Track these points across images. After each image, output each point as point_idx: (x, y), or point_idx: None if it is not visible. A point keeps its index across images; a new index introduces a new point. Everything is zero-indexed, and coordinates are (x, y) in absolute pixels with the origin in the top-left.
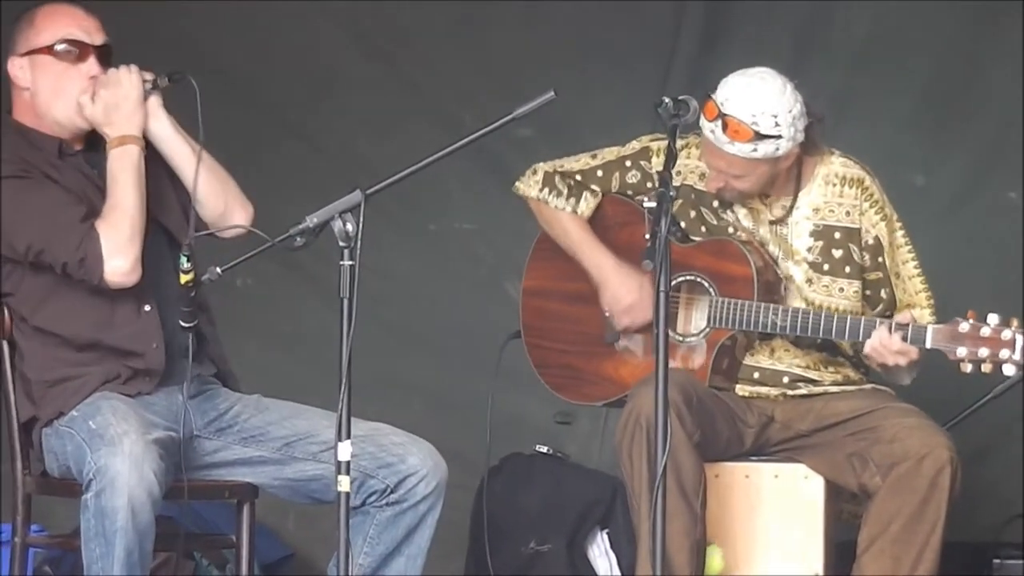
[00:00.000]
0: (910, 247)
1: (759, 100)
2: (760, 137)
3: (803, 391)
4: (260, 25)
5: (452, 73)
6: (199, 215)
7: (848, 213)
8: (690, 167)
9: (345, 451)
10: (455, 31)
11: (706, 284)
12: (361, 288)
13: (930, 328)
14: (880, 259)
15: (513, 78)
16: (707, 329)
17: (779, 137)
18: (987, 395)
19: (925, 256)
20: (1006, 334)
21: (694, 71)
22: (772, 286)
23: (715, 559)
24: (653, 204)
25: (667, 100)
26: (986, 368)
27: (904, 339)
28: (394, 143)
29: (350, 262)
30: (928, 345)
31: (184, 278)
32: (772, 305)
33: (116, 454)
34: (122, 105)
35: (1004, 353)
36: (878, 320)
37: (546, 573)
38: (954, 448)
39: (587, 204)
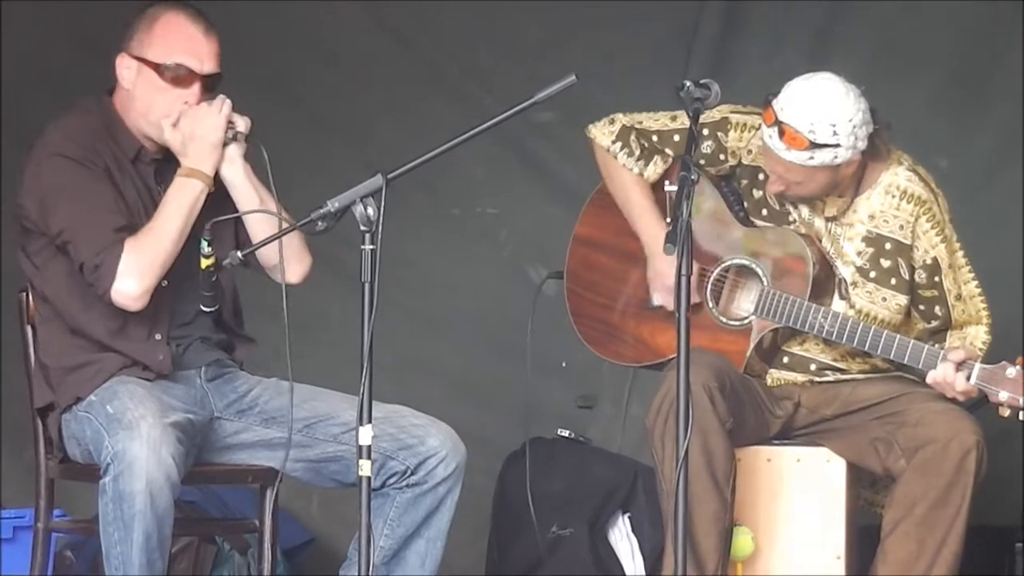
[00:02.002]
0: (970, 267)
1: (818, 108)
2: (816, 146)
3: (830, 379)
4: (280, 10)
5: (473, 56)
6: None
7: (902, 227)
8: (763, 148)
9: (366, 435)
10: (477, 13)
11: (760, 272)
12: (383, 273)
13: (977, 366)
14: (937, 279)
15: (535, 61)
16: (753, 317)
17: (837, 146)
18: None
19: None
20: None
21: (716, 53)
22: (825, 284)
23: (746, 541)
24: (674, 188)
25: (689, 84)
26: (1023, 417)
27: (968, 379)
28: (415, 127)
29: (371, 247)
30: (973, 381)
31: (204, 262)
32: (822, 308)
33: (134, 438)
34: (199, 141)
35: None
36: (925, 347)
37: (568, 557)
38: (980, 432)
39: (655, 169)
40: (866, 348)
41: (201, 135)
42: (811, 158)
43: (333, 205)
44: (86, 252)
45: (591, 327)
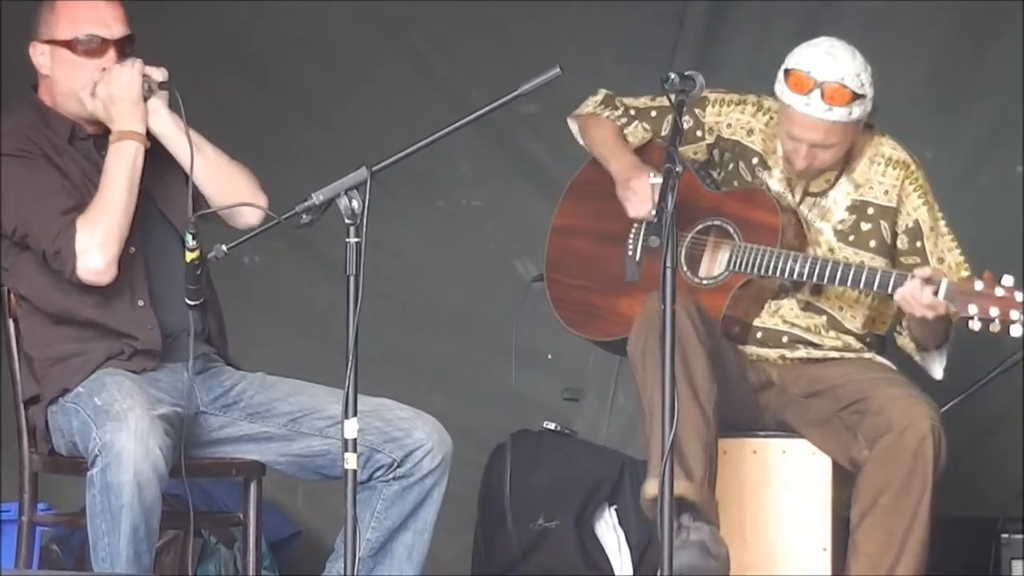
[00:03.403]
0: (953, 236)
1: (847, 61)
2: (856, 97)
3: (801, 353)
4: (273, 8)
5: (466, 53)
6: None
7: (886, 192)
8: (742, 123)
9: (352, 429)
10: (465, 8)
11: (731, 230)
12: (369, 265)
13: (944, 282)
14: (919, 243)
15: (522, 55)
16: (726, 273)
17: (865, 96)
18: (995, 370)
19: None
20: (1019, 296)
21: (701, 47)
22: (798, 241)
23: None
24: (658, 180)
25: (673, 76)
26: (994, 328)
27: (935, 294)
28: (407, 122)
29: (356, 239)
30: (940, 297)
31: (189, 256)
32: (792, 252)
33: (122, 429)
34: (118, 102)
35: (1014, 314)
36: (895, 272)
37: (554, 549)
38: (936, 417)
39: (635, 133)
40: (836, 283)
41: (119, 95)
42: (850, 113)
43: (318, 198)
44: (44, 241)
45: (571, 310)
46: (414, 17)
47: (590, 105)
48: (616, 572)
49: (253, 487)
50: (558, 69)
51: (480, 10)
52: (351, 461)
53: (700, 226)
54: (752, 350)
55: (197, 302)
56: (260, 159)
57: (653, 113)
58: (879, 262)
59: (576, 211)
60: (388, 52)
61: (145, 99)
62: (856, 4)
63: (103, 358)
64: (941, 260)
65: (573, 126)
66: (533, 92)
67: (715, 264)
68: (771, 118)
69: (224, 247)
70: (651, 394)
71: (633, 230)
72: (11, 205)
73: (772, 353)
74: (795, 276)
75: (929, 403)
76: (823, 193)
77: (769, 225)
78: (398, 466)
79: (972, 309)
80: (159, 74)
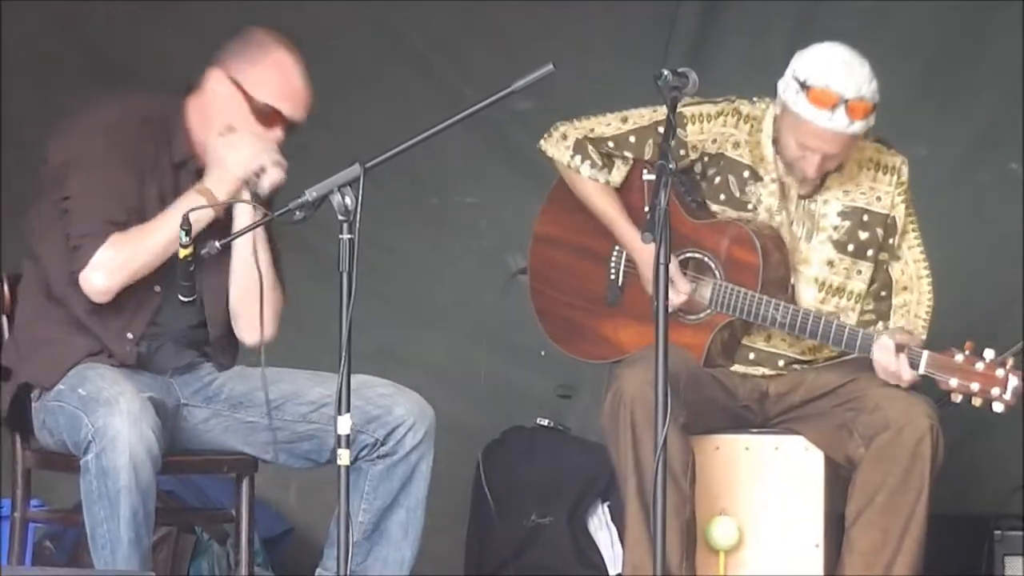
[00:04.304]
0: (917, 233)
1: (864, 75)
2: (874, 108)
3: (797, 369)
4: (269, 7)
5: (457, 48)
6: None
7: (880, 199)
8: (725, 135)
9: (345, 424)
10: (461, 6)
11: (712, 265)
12: (362, 262)
13: (925, 355)
14: (892, 240)
15: (524, 57)
16: (710, 311)
17: (878, 104)
18: None
19: (928, 225)
20: (999, 372)
21: (695, 45)
22: (779, 282)
23: (728, 530)
24: (652, 177)
25: (667, 72)
26: (976, 402)
27: (913, 367)
28: (401, 119)
29: (349, 236)
30: (921, 371)
31: (183, 252)
32: (775, 301)
33: (114, 413)
34: (223, 166)
35: (995, 391)
36: (876, 334)
37: (547, 546)
38: (935, 415)
39: (619, 173)
40: (818, 339)
41: (230, 163)
42: (868, 123)
43: (311, 194)
44: (74, 228)
45: (557, 325)
46: (412, 16)
47: (564, 152)
48: (609, 568)
49: (245, 483)
50: (551, 66)
51: (477, 10)
52: (344, 457)
53: (680, 257)
54: (745, 369)
55: (190, 299)
56: None
57: (632, 139)
58: (872, 268)
59: (559, 220)
60: (386, 51)
61: (246, 183)
62: (851, 4)
63: (83, 354)
64: (899, 257)
65: (556, 166)
66: (527, 89)
67: (696, 300)
68: (752, 126)
69: (218, 243)
70: (625, 473)
71: (616, 251)
72: (78, 178)
73: (768, 371)
74: (775, 326)
75: (927, 402)
76: (812, 196)
77: (750, 264)
78: (382, 444)
79: (952, 383)
80: (269, 180)
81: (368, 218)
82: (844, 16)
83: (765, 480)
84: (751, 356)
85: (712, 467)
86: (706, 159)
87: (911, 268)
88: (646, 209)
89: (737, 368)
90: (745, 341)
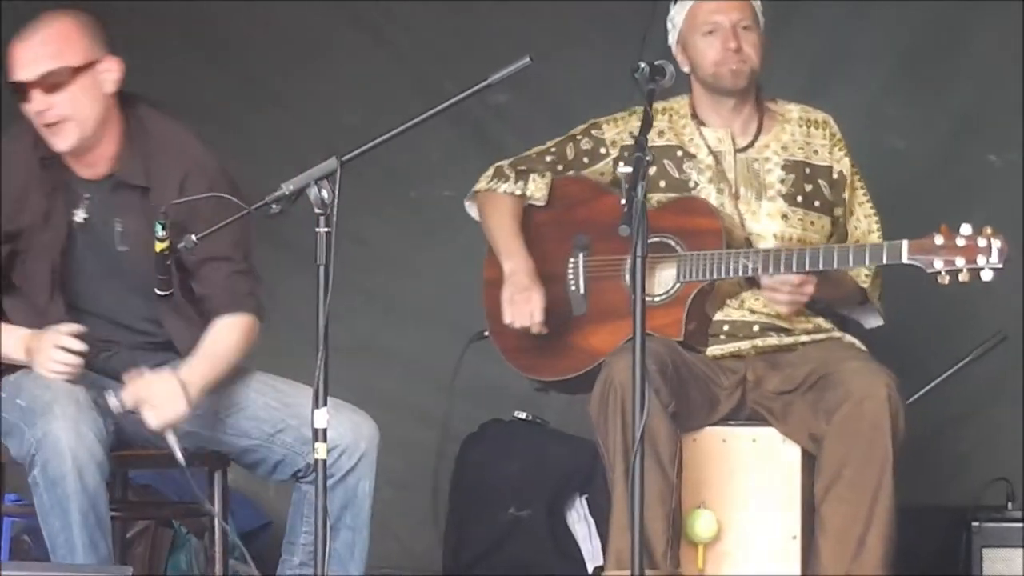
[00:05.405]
0: (865, 189)
1: None
2: None
3: (773, 340)
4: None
5: (437, 42)
6: None
7: (817, 152)
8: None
9: (321, 419)
10: (444, 3)
11: (672, 243)
12: (340, 255)
13: (905, 243)
14: (844, 194)
15: (502, 50)
16: (678, 284)
17: None
18: (967, 357)
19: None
20: (980, 241)
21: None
22: (742, 242)
23: (708, 523)
24: (629, 169)
25: (644, 65)
26: (963, 277)
27: (894, 258)
28: (379, 112)
29: (326, 229)
30: (904, 260)
31: (159, 246)
32: (741, 250)
33: (50, 421)
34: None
35: (981, 260)
36: (852, 248)
37: (525, 539)
38: (894, 386)
39: (536, 185)
40: (794, 269)
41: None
42: None
43: (288, 188)
44: (233, 256)
45: (526, 356)
46: (390, 9)
47: (482, 182)
48: (587, 561)
49: (218, 476)
50: (528, 59)
51: (457, 4)
52: (321, 451)
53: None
54: (720, 348)
55: (167, 292)
56: (229, 147)
57: (553, 149)
58: (826, 221)
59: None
60: (363, 44)
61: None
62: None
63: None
64: (852, 212)
65: (471, 209)
66: (504, 82)
67: (658, 280)
68: (671, 116)
69: (194, 237)
70: (614, 461)
71: (571, 266)
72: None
73: (744, 344)
74: (749, 272)
75: (887, 373)
76: (749, 147)
77: (711, 229)
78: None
79: (937, 264)
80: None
81: (345, 211)
82: (823, 9)
83: (743, 472)
84: (725, 329)
85: (690, 460)
86: (649, 158)
87: (863, 224)
88: (622, 202)
89: (714, 350)
90: (718, 316)
